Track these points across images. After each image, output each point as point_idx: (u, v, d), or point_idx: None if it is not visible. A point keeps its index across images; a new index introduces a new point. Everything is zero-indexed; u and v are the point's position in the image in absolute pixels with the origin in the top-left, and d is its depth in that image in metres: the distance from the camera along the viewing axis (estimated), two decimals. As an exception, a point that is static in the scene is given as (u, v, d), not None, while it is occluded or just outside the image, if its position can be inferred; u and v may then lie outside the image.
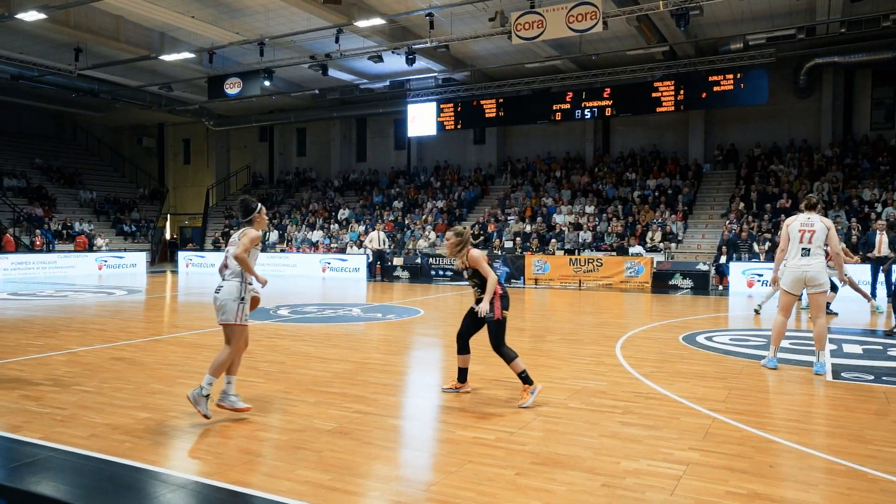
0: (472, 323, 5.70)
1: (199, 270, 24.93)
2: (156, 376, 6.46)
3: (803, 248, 6.63)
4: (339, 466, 4.02)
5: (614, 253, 19.42)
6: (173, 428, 4.80)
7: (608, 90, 23.88)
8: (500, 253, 20.87)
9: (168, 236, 35.85)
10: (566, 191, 25.16)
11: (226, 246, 5.45)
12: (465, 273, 5.64)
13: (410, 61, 21.00)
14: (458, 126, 26.28)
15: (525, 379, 5.50)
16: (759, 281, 16.91)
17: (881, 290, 13.92)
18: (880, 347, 8.41)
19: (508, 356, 5.53)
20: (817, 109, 23.32)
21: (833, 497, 3.62)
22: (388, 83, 26.37)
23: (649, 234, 20.65)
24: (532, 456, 4.27)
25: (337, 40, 20.42)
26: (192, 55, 22.35)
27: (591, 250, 20.62)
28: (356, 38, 21.41)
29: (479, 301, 5.50)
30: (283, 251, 25.64)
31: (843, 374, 6.73)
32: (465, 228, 5.80)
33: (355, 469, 4.00)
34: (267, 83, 23.12)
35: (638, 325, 10.50)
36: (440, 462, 4.18)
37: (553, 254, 19.89)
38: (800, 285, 6.73)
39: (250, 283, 4.95)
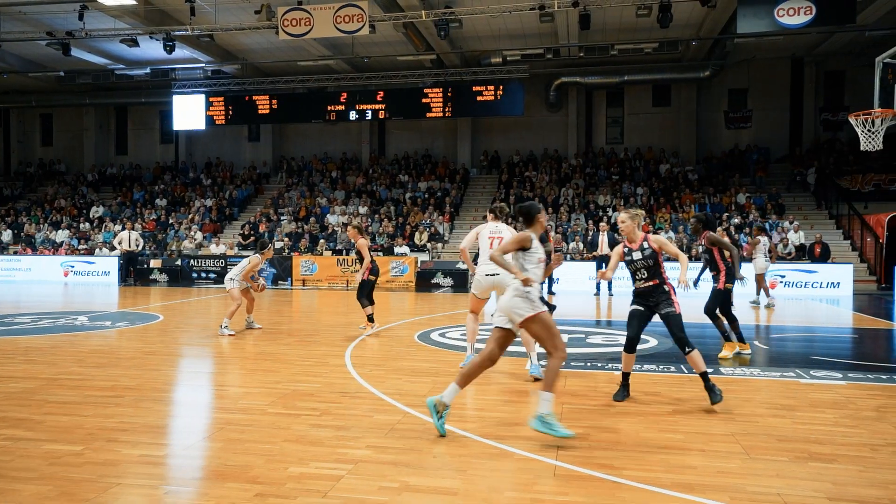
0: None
1: None
2: None
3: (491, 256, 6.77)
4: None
5: (381, 253, 19.80)
6: None
7: (381, 93, 24.30)
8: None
9: None
10: (341, 191, 25.16)
11: None
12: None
13: (169, 49, 19.50)
14: (230, 121, 25.00)
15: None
16: (510, 278, 18.31)
17: (603, 285, 15.84)
18: (583, 336, 9.48)
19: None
20: (565, 123, 25.97)
21: (475, 480, 3.89)
22: (148, 70, 24.26)
23: (417, 234, 21.40)
24: (196, 471, 4.05)
25: (81, 17, 18.30)
26: None
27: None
28: (105, 17, 19.38)
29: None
30: (16, 253, 22.35)
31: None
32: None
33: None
34: (-9, 59, 19.99)
35: (383, 324, 10.73)
36: (82, 488, 3.78)
37: (321, 254, 19.73)
38: (489, 292, 6.71)
39: None
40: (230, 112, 24.64)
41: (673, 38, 20.91)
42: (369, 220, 22.64)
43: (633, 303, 5.84)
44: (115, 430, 4.80)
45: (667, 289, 5.72)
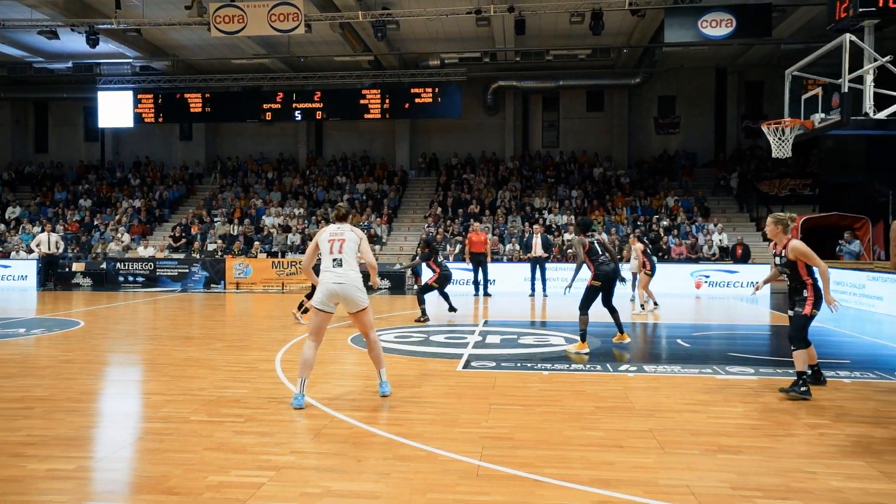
0: None
1: None
2: None
3: (334, 259, 5.81)
4: None
5: (318, 255, 19.57)
6: None
7: (319, 94, 24.04)
8: (199, 256, 19.66)
9: None
10: (276, 193, 24.73)
11: None
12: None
13: (93, 42, 18.74)
14: (160, 119, 24.25)
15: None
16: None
17: (538, 285, 16.11)
18: (515, 336, 9.64)
19: None
20: (502, 126, 26.31)
21: (398, 482, 3.91)
22: (70, 64, 23.21)
23: (355, 236, 21.20)
24: (108, 484, 3.92)
25: (-7, 6, 17.39)
26: None
27: (299, 253, 20.50)
28: (21, 6, 18.44)
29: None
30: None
31: (472, 364, 7.51)
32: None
33: None
34: None
35: (317, 328, 10.60)
36: (-15, 504, 3.60)
37: (256, 257, 19.34)
38: (334, 301, 5.85)
39: None
40: (160, 110, 23.87)
41: (605, 45, 21.48)
42: (306, 222, 22.34)
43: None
44: (22, 444, 4.58)
45: (806, 294, 5.94)
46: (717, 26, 16.40)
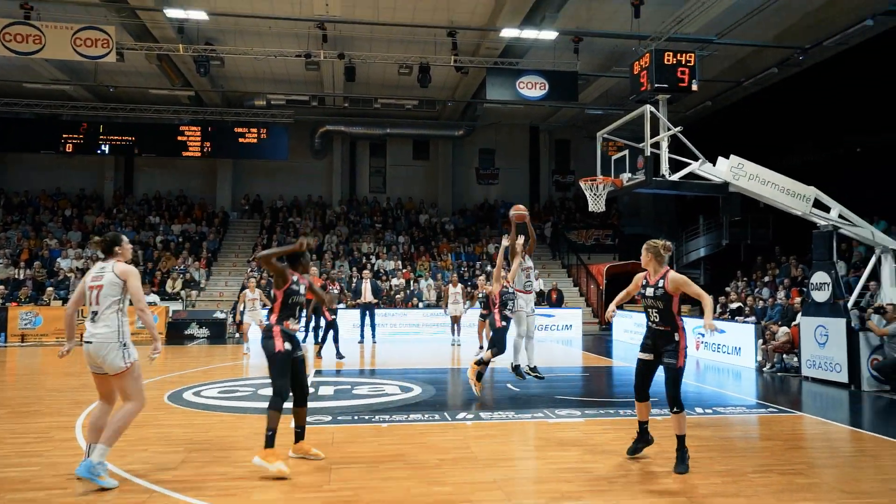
0: None
1: None
2: None
3: (92, 312, 4.81)
4: None
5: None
6: None
7: (131, 127, 22.27)
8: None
9: None
10: (76, 232, 22.20)
11: None
12: None
13: None
14: (-73, 144, 20.81)
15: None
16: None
17: (367, 331, 15.94)
18: (349, 387, 9.36)
19: None
20: (330, 170, 26.15)
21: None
22: None
23: (169, 281, 19.61)
24: None
25: None
26: None
27: (102, 300, 18.43)
28: None
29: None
30: None
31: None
32: None
33: None
34: None
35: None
36: None
37: (48, 304, 17.05)
38: (90, 364, 4.88)
39: None
40: (-72, 134, 20.54)
41: (431, 97, 22.37)
42: (110, 265, 20.18)
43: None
44: None
45: (678, 339, 5.22)
46: (532, 88, 17.80)
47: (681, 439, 5.19)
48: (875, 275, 10.50)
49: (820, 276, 10.14)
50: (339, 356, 12.48)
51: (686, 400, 5.41)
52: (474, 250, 23.55)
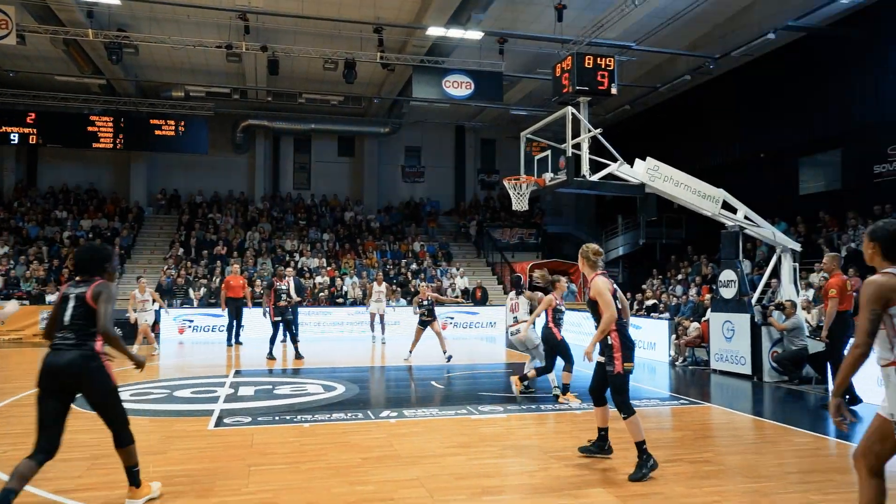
0: None
1: None
2: None
3: None
4: None
5: (27, 302, 16.71)
6: None
7: (33, 115, 20.95)
8: None
9: None
10: (-30, 227, 20.69)
11: None
12: None
13: None
14: None
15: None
16: (189, 327, 17.01)
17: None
18: (270, 387, 9.15)
19: None
20: (252, 165, 25.46)
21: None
22: None
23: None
24: None
25: None
26: None
27: (2, 299, 17.25)
28: None
29: None
30: None
31: (225, 421, 6.91)
32: None
33: None
34: None
35: (26, 389, 8.92)
36: None
37: (-60, 305, 15.80)
38: None
39: None
40: None
41: (357, 94, 22.14)
42: (12, 262, 18.95)
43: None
44: None
45: (611, 343, 5.08)
46: (458, 87, 17.93)
47: (638, 445, 4.95)
48: (776, 273, 11.19)
49: (727, 274, 10.71)
50: (271, 356, 12.35)
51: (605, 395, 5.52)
52: (399, 248, 23.51)
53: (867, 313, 3.14)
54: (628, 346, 5.06)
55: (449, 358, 11.85)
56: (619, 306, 5.16)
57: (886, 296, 3.14)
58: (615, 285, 5.27)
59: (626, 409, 4.99)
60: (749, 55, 16.98)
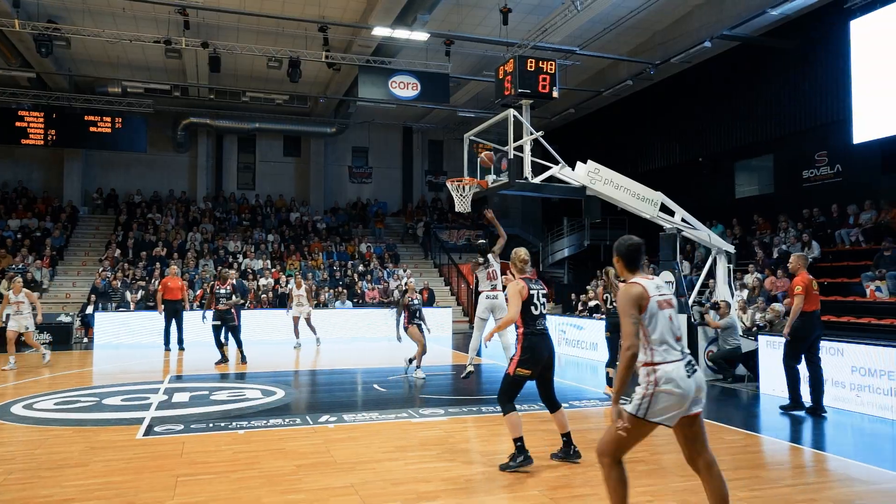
0: None
1: None
2: None
3: None
4: None
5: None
6: None
7: (-44, 109, 19.88)
8: None
9: None
10: None
11: None
12: None
13: None
14: None
15: None
16: (125, 331, 16.41)
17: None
18: (207, 392, 8.88)
19: None
20: (194, 164, 24.78)
21: None
22: None
23: (4, 281, 17.66)
24: None
25: None
26: None
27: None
28: None
29: None
30: None
31: (155, 429, 6.66)
32: None
33: None
34: None
35: (-57, 401, 8.41)
36: None
37: None
38: None
39: None
40: None
41: (302, 93, 21.80)
42: (-69, 264, 17.90)
43: None
44: None
45: (514, 343, 5.29)
46: (404, 88, 17.85)
47: (514, 441, 5.15)
48: (712, 274, 11.50)
49: (666, 275, 10.95)
50: (224, 359, 12.05)
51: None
52: (346, 249, 23.25)
53: (629, 318, 3.47)
54: (532, 354, 5.20)
55: (416, 367, 10.96)
56: (535, 312, 5.27)
57: (638, 302, 3.49)
58: (541, 292, 5.38)
59: (503, 407, 5.25)
60: (688, 62, 17.45)
